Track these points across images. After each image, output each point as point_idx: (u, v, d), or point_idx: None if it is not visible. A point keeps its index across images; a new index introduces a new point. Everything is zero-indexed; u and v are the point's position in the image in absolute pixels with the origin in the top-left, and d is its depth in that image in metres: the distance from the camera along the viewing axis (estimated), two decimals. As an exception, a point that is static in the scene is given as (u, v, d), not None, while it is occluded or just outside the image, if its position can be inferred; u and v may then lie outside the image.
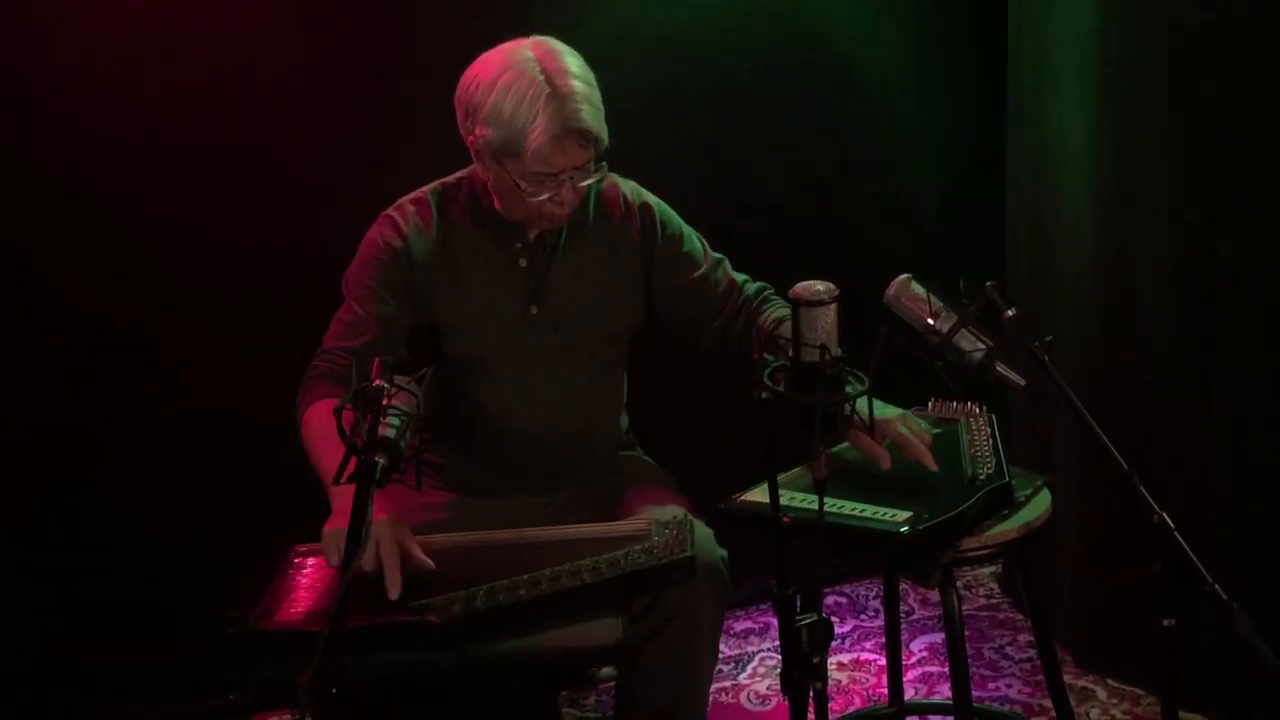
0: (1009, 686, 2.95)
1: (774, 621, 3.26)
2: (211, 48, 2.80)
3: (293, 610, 1.90)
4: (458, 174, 2.40)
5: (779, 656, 3.13)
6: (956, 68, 3.49)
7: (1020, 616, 3.22)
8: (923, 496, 2.12)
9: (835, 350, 1.72)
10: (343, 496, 1.98)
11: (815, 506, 1.99)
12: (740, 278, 2.47)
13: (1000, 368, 2.03)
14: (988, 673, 3.00)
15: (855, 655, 3.13)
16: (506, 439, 2.37)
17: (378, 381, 1.81)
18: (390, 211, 2.37)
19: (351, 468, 1.81)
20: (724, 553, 2.23)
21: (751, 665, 3.11)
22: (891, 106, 3.43)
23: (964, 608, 3.19)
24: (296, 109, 2.87)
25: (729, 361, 2.46)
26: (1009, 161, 3.30)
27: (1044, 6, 3.05)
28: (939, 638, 3.15)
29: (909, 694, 2.86)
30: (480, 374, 2.36)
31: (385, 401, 1.80)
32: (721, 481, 2.27)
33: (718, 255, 2.48)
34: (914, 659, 3.08)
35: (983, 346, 2.03)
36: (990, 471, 2.22)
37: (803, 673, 1.80)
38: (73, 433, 2.84)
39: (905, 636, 3.06)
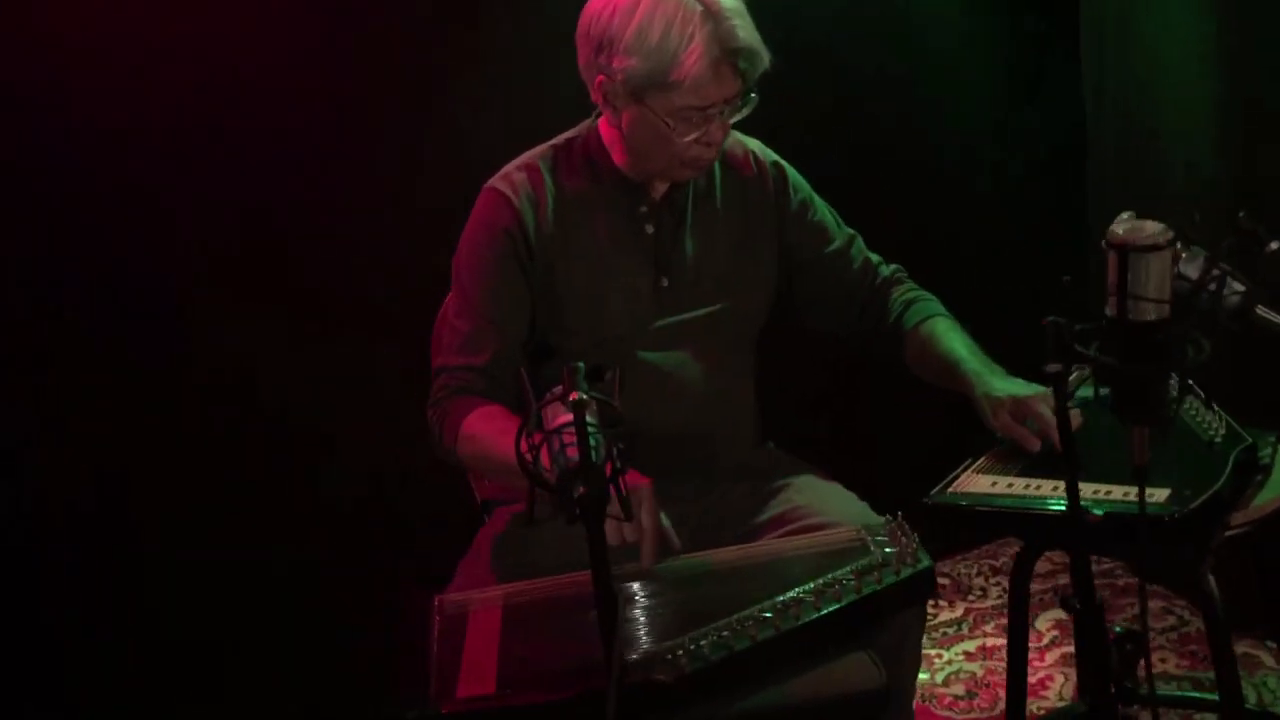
0: (1163, 661, 2.68)
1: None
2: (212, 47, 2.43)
3: (479, 679, 1.52)
4: (565, 134, 2.05)
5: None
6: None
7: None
8: (1166, 470, 1.81)
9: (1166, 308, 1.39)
10: None
11: (1035, 493, 1.78)
12: (875, 258, 2.17)
13: (1262, 310, 1.74)
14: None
15: (980, 642, 2.84)
16: (640, 437, 2.01)
17: (574, 395, 1.43)
18: (496, 184, 2.00)
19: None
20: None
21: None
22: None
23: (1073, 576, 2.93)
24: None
25: (851, 344, 2.20)
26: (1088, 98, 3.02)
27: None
28: (1062, 613, 2.89)
29: (1054, 681, 2.58)
30: (605, 360, 1.99)
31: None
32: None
33: (850, 230, 2.17)
34: (1044, 640, 2.80)
35: (1240, 289, 1.73)
36: (1224, 433, 1.92)
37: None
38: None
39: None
